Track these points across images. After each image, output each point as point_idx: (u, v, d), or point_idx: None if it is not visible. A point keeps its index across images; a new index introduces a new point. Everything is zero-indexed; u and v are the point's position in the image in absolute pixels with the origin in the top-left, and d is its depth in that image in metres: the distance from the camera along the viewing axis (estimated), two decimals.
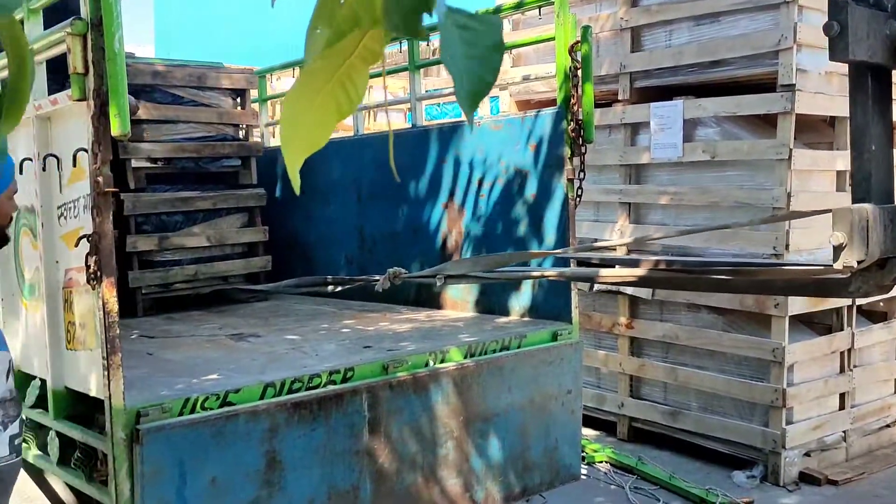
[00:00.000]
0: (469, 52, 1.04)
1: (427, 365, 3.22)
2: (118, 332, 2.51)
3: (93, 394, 2.71)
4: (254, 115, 5.09)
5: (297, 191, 1.15)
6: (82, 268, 2.54)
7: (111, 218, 2.51)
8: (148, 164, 4.58)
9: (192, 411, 2.62)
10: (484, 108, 4.47)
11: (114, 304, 2.50)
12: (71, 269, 2.79)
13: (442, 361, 3.26)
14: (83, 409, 2.88)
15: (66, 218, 2.83)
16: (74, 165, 2.70)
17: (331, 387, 2.93)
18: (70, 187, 2.79)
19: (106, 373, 2.49)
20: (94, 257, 2.48)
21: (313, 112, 1.13)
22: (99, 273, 2.48)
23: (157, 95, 4.59)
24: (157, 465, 2.50)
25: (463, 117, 7.12)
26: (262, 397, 2.77)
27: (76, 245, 2.61)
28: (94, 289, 2.52)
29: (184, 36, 21.91)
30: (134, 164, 4.49)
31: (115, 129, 2.44)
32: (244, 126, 4.99)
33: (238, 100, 4.96)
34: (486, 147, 4.15)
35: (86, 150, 2.54)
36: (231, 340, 3.70)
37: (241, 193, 4.88)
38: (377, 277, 3.90)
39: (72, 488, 3.19)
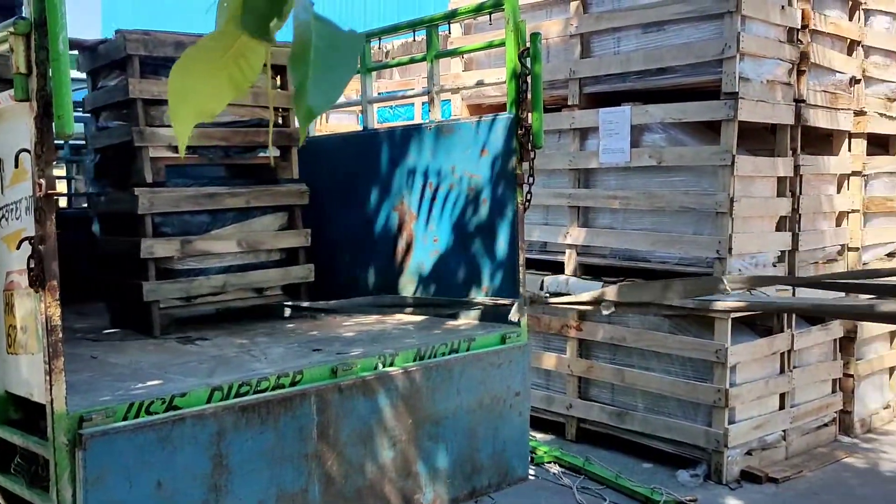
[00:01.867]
0: (320, 66, 1.03)
1: (376, 368, 3.23)
2: (60, 335, 2.48)
3: (34, 398, 2.66)
4: None
5: (183, 155, 1.27)
6: (24, 270, 2.50)
7: (54, 220, 2.48)
8: (168, 154, 3.90)
9: (137, 416, 2.59)
10: (435, 111, 4.49)
11: (56, 308, 2.46)
12: (12, 271, 2.74)
13: (391, 365, 3.28)
14: (24, 413, 2.82)
15: (7, 220, 2.77)
16: (16, 166, 2.65)
17: (279, 390, 2.93)
18: (12, 188, 2.73)
19: (48, 377, 2.45)
20: (36, 260, 2.44)
21: (207, 83, 1.15)
22: (41, 276, 2.44)
23: None
24: (101, 471, 2.47)
25: (415, 121, 7.11)
26: (209, 401, 2.76)
27: (17, 247, 2.57)
28: (36, 292, 2.48)
29: (133, 23, 21.49)
30: (151, 153, 3.82)
31: (59, 130, 2.40)
32: (284, 110, 4.28)
33: (278, 79, 4.25)
34: (437, 151, 4.17)
35: (28, 152, 2.50)
36: (178, 343, 3.66)
37: (280, 190, 4.21)
38: (503, 301, 3.54)
39: (11, 495, 3.12)
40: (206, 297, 3.98)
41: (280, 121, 4.32)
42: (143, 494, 2.55)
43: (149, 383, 2.88)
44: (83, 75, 4.59)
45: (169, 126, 3.79)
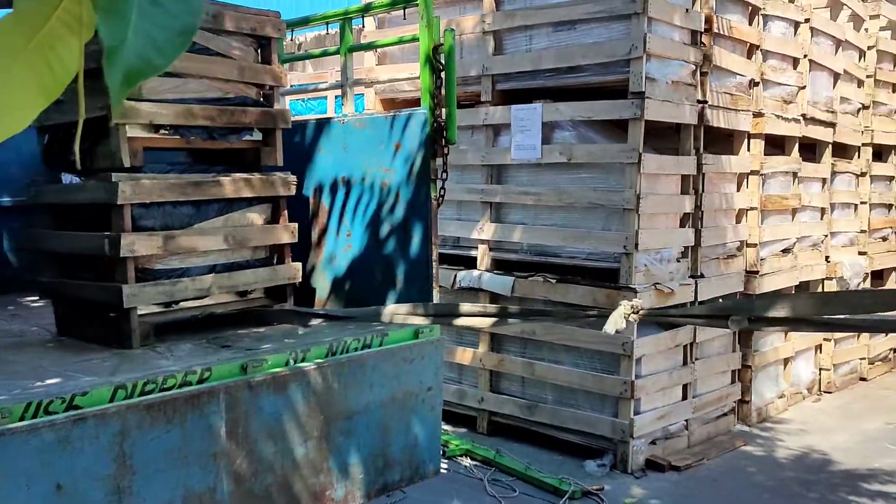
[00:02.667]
0: (145, 28, 0.87)
1: (287, 364, 3.19)
2: None
3: None
4: (281, 73, 3.83)
5: None
6: None
7: None
8: (146, 134, 3.35)
9: (35, 416, 2.49)
10: (349, 105, 4.46)
11: None
12: None
13: (303, 360, 3.24)
14: None
15: None
16: None
17: (186, 388, 2.86)
18: None
19: None
20: None
21: (7, 86, 0.94)
22: None
23: None
24: None
25: (329, 114, 7.02)
26: (112, 400, 2.67)
27: None
28: None
29: None
30: (129, 132, 3.24)
31: None
32: (268, 87, 3.78)
33: (259, 52, 3.76)
34: (350, 145, 4.15)
35: None
36: (79, 340, 3.53)
37: (266, 179, 3.76)
38: (605, 311, 3.12)
39: None
40: (191, 300, 3.50)
41: (264, 98, 3.83)
42: (42, 498, 2.46)
43: (48, 382, 2.77)
44: None
45: (150, 100, 3.27)
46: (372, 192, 4.05)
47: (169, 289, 3.38)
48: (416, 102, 4.18)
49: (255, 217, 3.75)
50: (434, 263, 3.82)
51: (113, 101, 0.88)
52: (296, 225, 3.89)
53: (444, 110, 3.75)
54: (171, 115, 3.36)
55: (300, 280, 3.90)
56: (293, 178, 3.86)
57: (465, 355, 5.80)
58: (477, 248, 5.73)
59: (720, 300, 5.98)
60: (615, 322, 2.80)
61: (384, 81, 5.95)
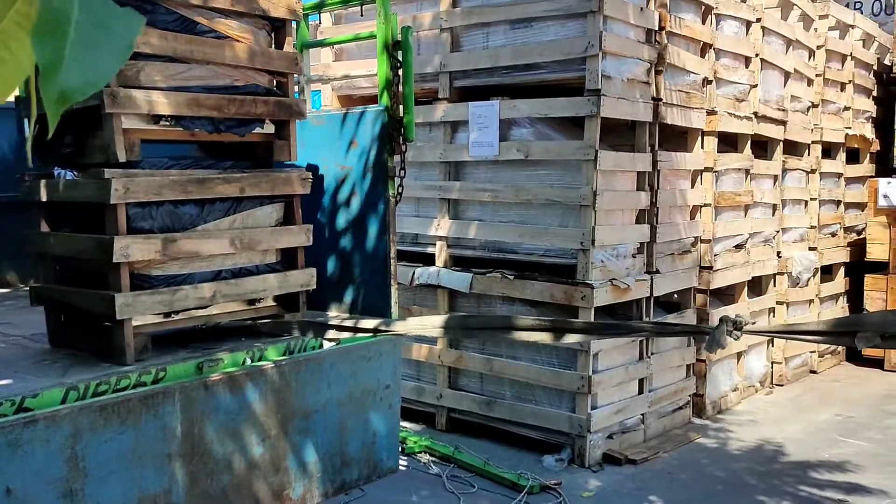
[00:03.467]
0: (83, 46, 0.87)
1: (244, 364, 3.17)
2: None
3: None
4: (296, 59, 3.57)
5: None
6: None
7: None
8: (144, 126, 3.06)
9: None
10: (306, 102, 4.43)
11: None
12: None
13: (260, 360, 3.22)
14: None
15: None
16: None
17: (140, 388, 2.82)
18: None
19: None
20: None
21: None
22: None
23: (162, 17, 3.07)
24: None
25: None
26: (63, 401, 2.63)
27: None
28: None
29: None
30: (125, 122, 2.95)
31: None
32: (282, 74, 3.51)
33: (272, 35, 3.53)
34: (307, 142, 4.12)
35: None
36: (28, 341, 3.46)
37: (279, 175, 3.47)
38: (704, 327, 2.91)
39: None
40: (194, 310, 3.23)
41: (276, 87, 3.55)
42: None
43: None
44: None
45: (147, 88, 2.99)
46: (329, 189, 4.03)
47: (168, 297, 3.07)
48: (373, 99, 4.16)
49: (264, 217, 3.47)
50: (392, 260, 3.82)
51: (50, 120, 0.88)
52: (310, 226, 3.62)
53: (401, 107, 3.75)
54: (173, 105, 3.05)
55: (314, 286, 3.65)
56: (308, 175, 3.59)
57: (423, 352, 5.80)
58: (435, 244, 5.73)
59: (675, 295, 6.07)
60: (715, 341, 2.42)
61: (341, 78, 5.92)
